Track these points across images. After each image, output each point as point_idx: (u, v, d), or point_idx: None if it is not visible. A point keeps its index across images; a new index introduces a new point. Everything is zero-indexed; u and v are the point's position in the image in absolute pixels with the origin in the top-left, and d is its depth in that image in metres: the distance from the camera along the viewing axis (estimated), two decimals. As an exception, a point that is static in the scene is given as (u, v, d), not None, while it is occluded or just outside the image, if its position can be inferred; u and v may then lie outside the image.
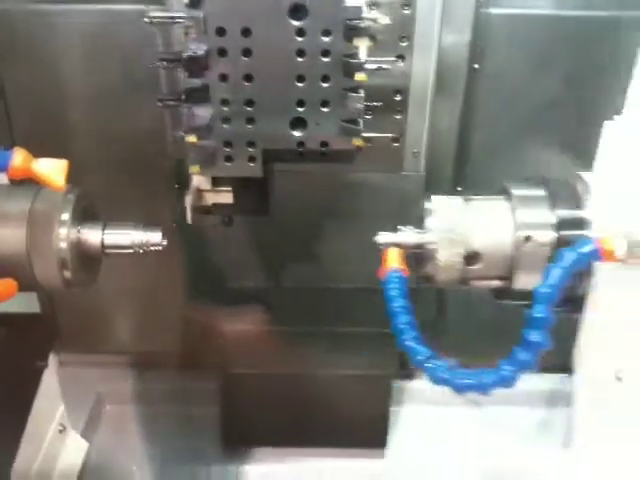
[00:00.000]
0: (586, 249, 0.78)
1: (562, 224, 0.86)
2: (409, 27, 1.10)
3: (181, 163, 1.19)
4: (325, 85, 0.94)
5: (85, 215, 0.95)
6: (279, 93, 0.95)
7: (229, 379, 1.56)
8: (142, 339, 1.59)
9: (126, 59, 1.21)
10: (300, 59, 0.92)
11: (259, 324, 1.45)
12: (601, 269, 0.85)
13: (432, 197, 0.91)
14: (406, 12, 1.09)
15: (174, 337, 1.57)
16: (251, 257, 1.31)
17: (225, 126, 0.97)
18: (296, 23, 0.90)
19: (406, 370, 1.61)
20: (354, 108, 0.97)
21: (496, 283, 0.90)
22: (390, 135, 1.19)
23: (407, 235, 0.89)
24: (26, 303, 1.45)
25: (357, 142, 1.00)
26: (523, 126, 1.26)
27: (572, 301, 0.87)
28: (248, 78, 0.94)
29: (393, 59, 1.09)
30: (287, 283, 1.32)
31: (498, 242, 0.87)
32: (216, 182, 1.06)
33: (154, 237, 0.95)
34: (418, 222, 0.91)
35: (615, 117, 0.82)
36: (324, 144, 0.99)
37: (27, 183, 0.88)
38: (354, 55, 0.93)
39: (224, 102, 0.95)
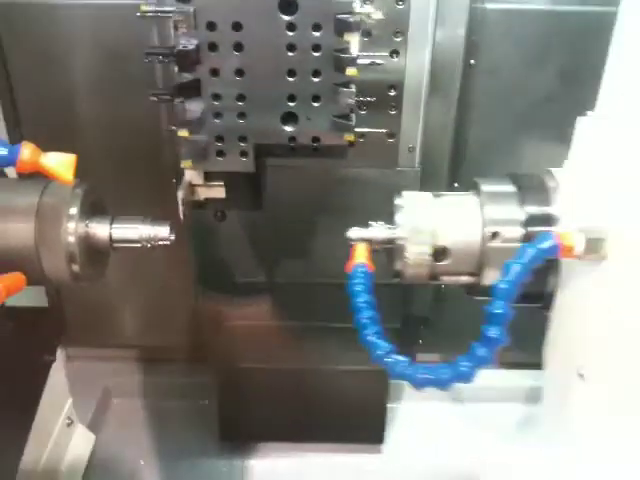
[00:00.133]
0: (545, 245, 0.78)
1: (530, 220, 0.86)
2: (403, 22, 1.09)
3: (177, 158, 1.20)
4: (316, 80, 0.94)
5: (93, 209, 0.95)
6: (270, 88, 0.95)
7: (226, 374, 1.57)
8: (149, 333, 1.60)
9: (132, 52, 1.21)
10: (291, 54, 0.93)
11: (257, 319, 1.46)
12: (565, 266, 0.85)
13: (403, 193, 0.91)
14: (400, 7, 1.08)
15: (181, 331, 1.58)
16: (247, 252, 1.31)
17: (217, 121, 0.97)
18: (286, 18, 0.90)
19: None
20: (345, 103, 0.97)
21: (466, 279, 0.90)
22: (385, 130, 1.18)
23: (377, 231, 0.90)
24: (34, 297, 1.45)
25: (349, 137, 1.00)
26: (519, 121, 1.26)
27: (546, 298, 0.87)
28: (239, 73, 0.94)
29: (386, 54, 1.09)
30: (280, 279, 1.32)
31: (466, 238, 0.87)
32: (208, 177, 1.06)
33: (162, 231, 0.95)
34: (390, 218, 0.91)
35: (588, 113, 0.82)
36: (316, 139, 0.99)
37: (35, 177, 0.88)
38: (345, 50, 0.93)
39: (215, 97, 0.95)
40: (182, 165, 1.00)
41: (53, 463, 1.41)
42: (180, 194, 1.02)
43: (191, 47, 0.90)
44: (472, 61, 1.22)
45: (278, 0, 0.89)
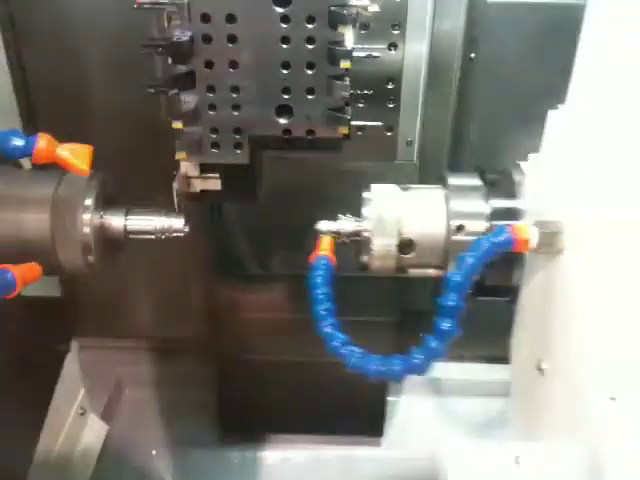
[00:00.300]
0: (500, 238, 0.78)
1: (495, 214, 0.86)
2: (401, 15, 1.09)
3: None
4: (310, 72, 0.94)
5: (108, 200, 0.96)
6: (264, 80, 0.95)
7: (229, 365, 1.58)
8: (162, 324, 1.61)
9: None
10: (285, 46, 0.92)
11: (259, 311, 1.46)
12: (528, 260, 0.85)
13: (371, 186, 0.92)
14: (398, 0, 1.08)
15: (193, 323, 1.58)
16: (244, 245, 1.32)
17: (211, 113, 0.97)
18: (280, 10, 0.90)
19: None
20: (340, 96, 0.96)
21: (432, 272, 0.91)
22: (383, 124, 1.18)
23: (345, 223, 0.91)
24: (47, 287, 1.46)
25: (343, 130, 0.99)
26: (518, 114, 1.25)
27: (512, 292, 0.87)
28: (233, 65, 0.94)
29: (384, 47, 1.09)
30: (277, 270, 1.32)
31: (431, 231, 0.88)
32: (204, 169, 1.06)
33: (177, 223, 0.96)
34: (359, 211, 0.92)
35: (559, 106, 0.82)
36: (310, 132, 0.99)
37: (50, 168, 0.89)
38: (340, 42, 0.93)
39: (210, 89, 0.95)
40: (176, 157, 1.00)
41: (66, 453, 1.44)
42: (175, 185, 1.02)
43: (185, 39, 0.90)
44: (472, 55, 1.21)
45: (272, -8, 0.89)
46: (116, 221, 0.95)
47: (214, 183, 1.07)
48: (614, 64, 0.75)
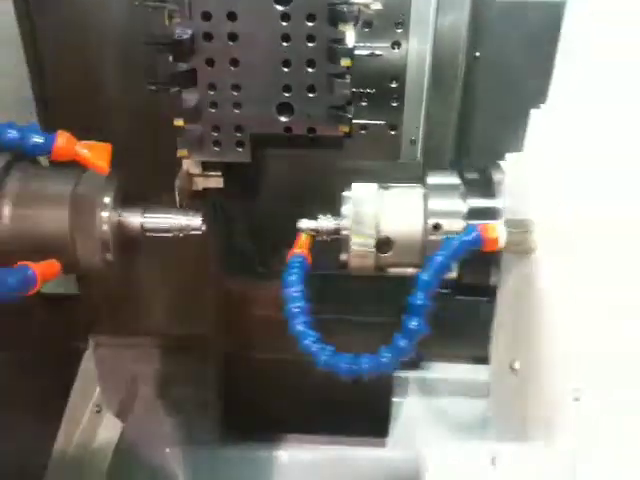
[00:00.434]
0: (469, 237, 0.78)
1: (472, 213, 0.86)
2: (404, 13, 1.08)
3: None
4: (311, 70, 0.94)
5: (126, 198, 0.96)
6: (265, 78, 0.95)
7: (235, 364, 1.58)
8: (177, 321, 1.61)
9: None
10: (285, 44, 0.93)
11: (264, 310, 1.46)
12: (504, 260, 0.84)
13: (352, 185, 0.92)
14: (401, -2, 1.07)
15: (208, 321, 1.58)
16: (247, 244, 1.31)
17: (212, 110, 0.98)
18: (281, 8, 0.90)
19: (409, 361, 1.60)
20: (340, 94, 0.97)
21: (410, 271, 0.91)
22: (386, 122, 1.17)
23: (324, 222, 0.91)
24: (64, 285, 1.47)
25: (344, 128, 0.99)
26: (523, 113, 1.24)
27: (490, 292, 0.87)
28: (234, 63, 0.94)
29: (387, 45, 1.08)
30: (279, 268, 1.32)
31: (409, 230, 0.88)
32: (206, 166, 1.06)
33: (194, 221, 0.95)
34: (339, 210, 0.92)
35: (541, 105, 0.81)
36: (311, 130, 0.99)
37: (69, 166, 0.90)
38: (340, 40, 0.93)
39: (211, 86, 0.96)
40: (178, 154, 1.00)
41: (82, 450, 1.45)
42: (177, 183, 1.02)
43: (186, 37, 0.90)
44: (477, 53, 1.20)
45: (272, -10, 0.89)
46: (134, 219, 0.95)
47: (216, 181, 1.08)
48: (594, 62, 0.74)
